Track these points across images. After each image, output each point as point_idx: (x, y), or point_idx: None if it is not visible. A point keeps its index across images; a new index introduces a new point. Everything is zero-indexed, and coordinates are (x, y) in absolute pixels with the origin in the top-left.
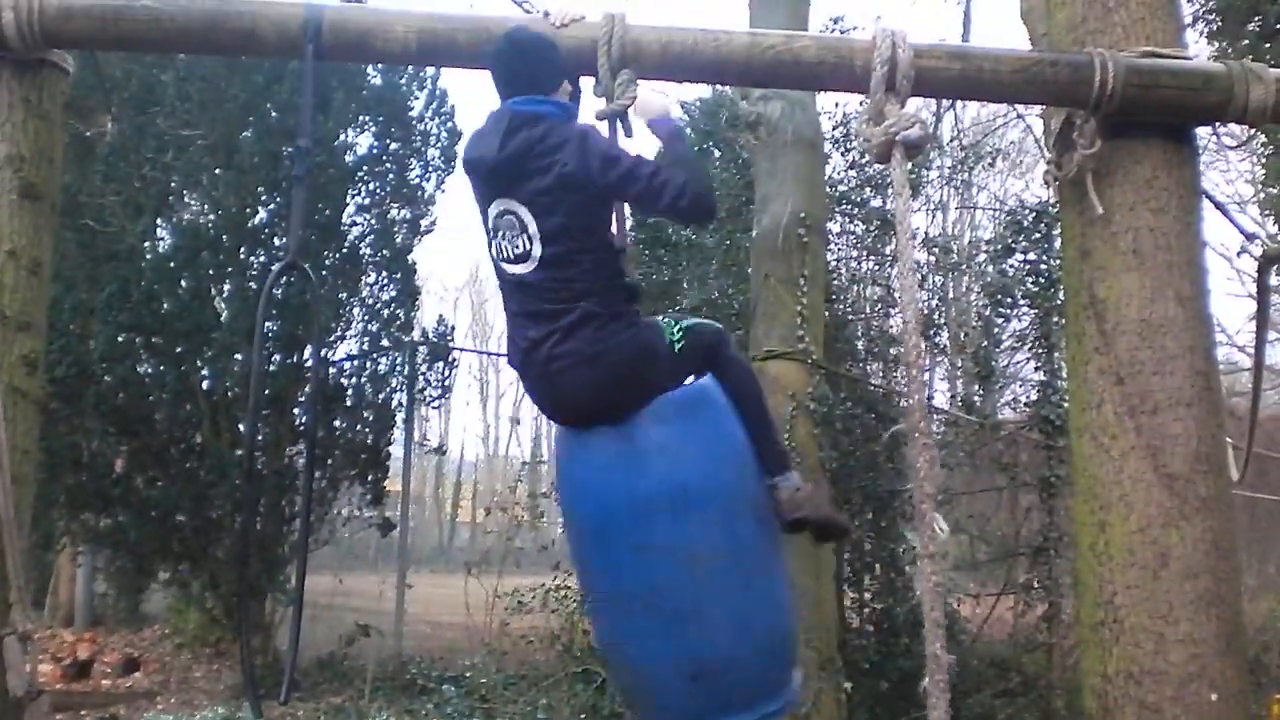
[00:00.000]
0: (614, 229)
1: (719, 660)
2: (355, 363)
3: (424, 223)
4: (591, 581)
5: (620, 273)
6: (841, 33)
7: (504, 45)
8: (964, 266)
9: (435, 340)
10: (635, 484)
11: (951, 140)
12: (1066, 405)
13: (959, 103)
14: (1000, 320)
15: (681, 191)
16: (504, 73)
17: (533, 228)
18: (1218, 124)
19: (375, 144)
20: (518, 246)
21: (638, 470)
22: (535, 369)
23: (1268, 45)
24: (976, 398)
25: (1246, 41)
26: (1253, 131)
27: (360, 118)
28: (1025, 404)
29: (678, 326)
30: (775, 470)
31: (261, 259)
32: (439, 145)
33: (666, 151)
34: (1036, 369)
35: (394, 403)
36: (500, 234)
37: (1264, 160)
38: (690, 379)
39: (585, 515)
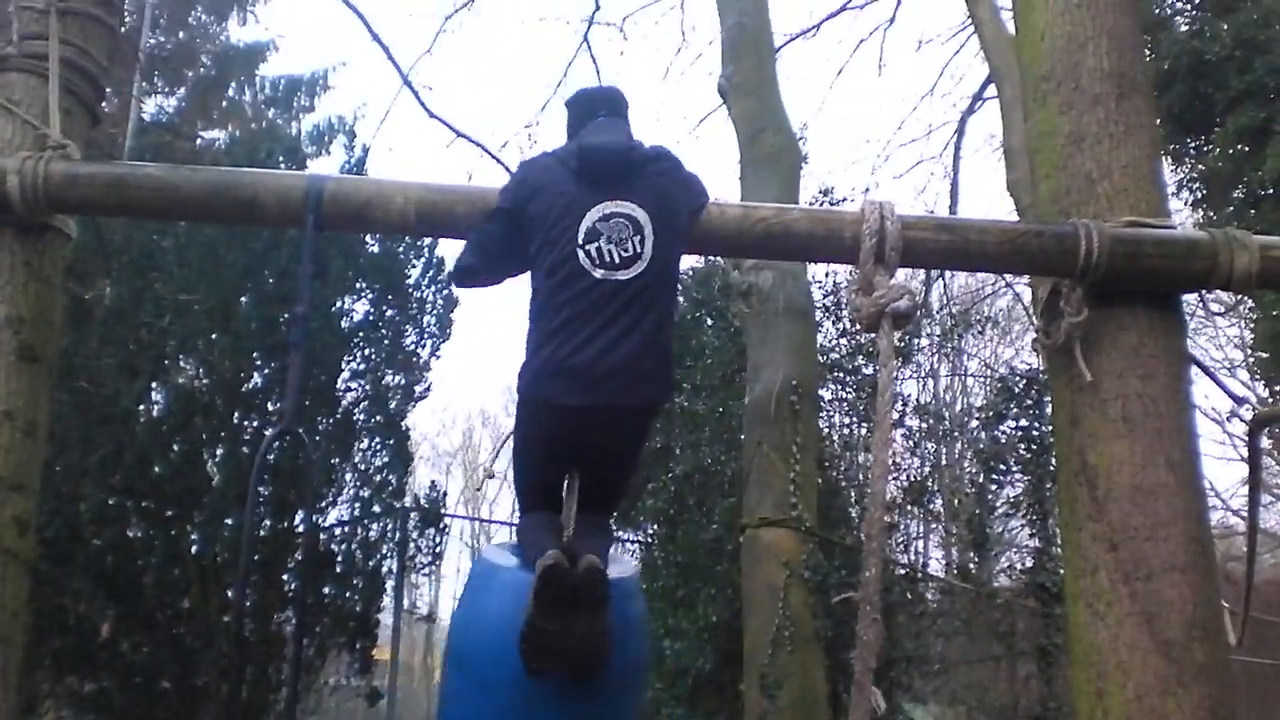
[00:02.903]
0: None
1: None
2: (346, 529)
3: (418, 389)
4: None
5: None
6: (831, 205)
7: (617, 89)
8: (956, 433)
9: (427, 506)
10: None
11: (941, 308)
12: (1062, 572)
13: (948, 271)
14: (994, 486)
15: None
16: (620, 105)
17: (649, 228)
18: (1204, 291)
19: (371, 310)
20: (627, 249)
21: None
22: (603, 372)
23: (1253, 211)
24: (972, 564)
25: (1231, 208)
26: (1240, 297)
27: (357, 284)
28: (1021, 570)
29: None
30: None
31: (255, 424)
32: (435, 312)
33: None
34: (1031, 535)
35: (384, 569)
36: (602, 238)
37: (1252, 325)
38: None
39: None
